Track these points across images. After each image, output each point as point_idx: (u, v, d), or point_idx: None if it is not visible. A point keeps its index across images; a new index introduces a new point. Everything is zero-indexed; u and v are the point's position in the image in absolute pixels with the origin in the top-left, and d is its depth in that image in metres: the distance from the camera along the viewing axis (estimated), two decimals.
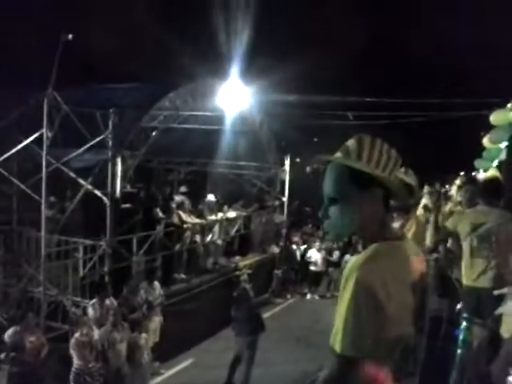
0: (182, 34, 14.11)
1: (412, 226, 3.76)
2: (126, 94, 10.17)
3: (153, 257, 9.25)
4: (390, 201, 1.56)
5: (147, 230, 9.27)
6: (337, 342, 1.40)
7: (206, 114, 11.64)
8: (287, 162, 14.31)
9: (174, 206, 10.11)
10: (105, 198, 8.16)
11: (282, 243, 14.07)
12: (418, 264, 1.58)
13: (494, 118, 6.98)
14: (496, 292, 2.87)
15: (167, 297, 8.63)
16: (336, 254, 13.38)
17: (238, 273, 10.64)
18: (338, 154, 1.57)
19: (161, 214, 9.79)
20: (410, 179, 3.61)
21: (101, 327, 6.89)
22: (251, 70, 12.52)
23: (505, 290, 2.77)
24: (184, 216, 10.02)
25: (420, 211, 5.77)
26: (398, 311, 1.41)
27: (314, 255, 13.40)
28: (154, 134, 9.66)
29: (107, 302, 7.29)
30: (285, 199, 14.53)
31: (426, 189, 6.54)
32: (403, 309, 1.44)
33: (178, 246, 9.79)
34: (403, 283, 1.46)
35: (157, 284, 8.35)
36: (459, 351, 2.64)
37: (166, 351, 8.28)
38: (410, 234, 3.63)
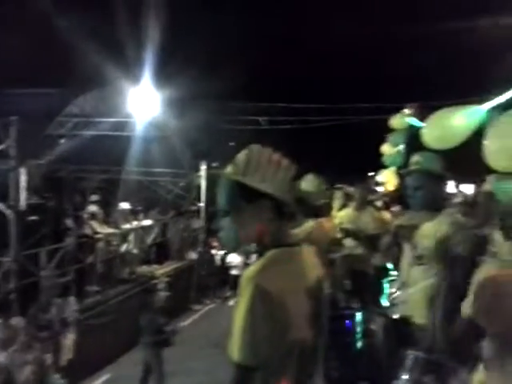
0: (90, 38, 13.59)
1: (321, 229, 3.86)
2: (29, 99, 9.65)
3: (64, 270, 8.82)
4: (283, 208, 1.60)
5: (57, 242, 8.82)
6: (234, 351, 1.41)
7: (118, 120, 11.34)
8: (203, 168, 14.32)
9: (86, 216, 9.72)
10: (8, 211, 7.67)
11: (200, 249, 14.04)
12: (315, 268, 1.65)
13: (393, 122, 7.51)
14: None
15: (81, 311, 8.28)
16: (253, 257, 13.56)
17: (154, 281, 10.48)
18: (230, 167, 1.63)
19: (71, 225, 9.38)
20: (310, 185, 3.73)
21: (7, 349, 6.45)
22: (163, 76, 12.37)
23: (398, 280, 3.02)
24: (97, 226, 9.68)
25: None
26: (294, 317, 1.45)
27: (235, 259, 13.49)
28: (62, 141, 9.22)
29: (13, 321, 6.84)
30: (201, 204, 14.52)
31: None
32: (299, 314, 1.48)
33: (91, 258, 9.42)
34: (299, 289, 1.51)
35: (72, 299, 7.98)
36: (360, 343, 2.83)
37: (81, 368, 7.91)
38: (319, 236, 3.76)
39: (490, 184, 3.25)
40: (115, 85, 10.57)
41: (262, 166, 1.57)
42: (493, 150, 2.98)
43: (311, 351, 1.57)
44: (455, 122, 3.43)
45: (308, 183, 3.79)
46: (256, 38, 18.34)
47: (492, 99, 3.08)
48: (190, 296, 12.93)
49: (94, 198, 11.60)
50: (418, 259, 2.77)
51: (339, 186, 6.98)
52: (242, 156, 1.61)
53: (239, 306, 1.44)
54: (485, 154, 2.97)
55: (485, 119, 3.25)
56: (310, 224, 3.53)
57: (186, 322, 11.62)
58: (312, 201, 3.75)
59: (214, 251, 13.98)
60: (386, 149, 8.23)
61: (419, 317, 2.73)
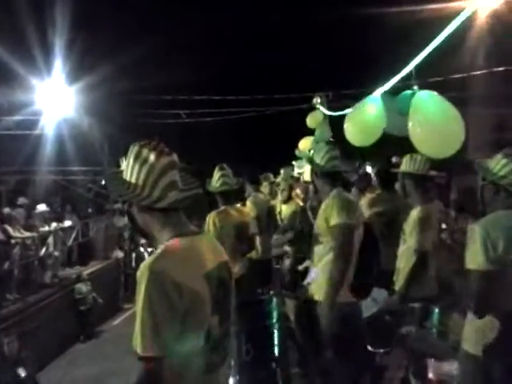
0: None
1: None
2: None
3: None
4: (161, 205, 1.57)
5: None
6: (138, 344, 1.41)
7: (28, 118, 10.72)
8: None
9: None
10: None
11: (126, 247, 13.73)
12: (215, 255, 1.67)
13: (310, 121, 7.74)
14: (300, 267, 3.27)
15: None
16: None
17: (77, 286, 10.19)
18: None
19: None
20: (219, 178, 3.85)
21: None
22: (76, 70, 11.81)
23: (307, 263, 3.14)
24: (11, 230, 9.13)
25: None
26: (192, 303, 1.47)
27: None
28: None
29: None
30: None
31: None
32: (198, 301, 1.50)
33: (7, 264, 8.90)
34: (195, 275, 1.52)
35: None
36: (278, 324, 2.90)
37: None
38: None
39: (402, 165, 3.48)
40: (22, 81, 9.91)
41: (136, 167, 1.59)
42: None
43: (220, 337, 1.60)
44: (369, 118, 3.70)
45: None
46: (173, 33, 18.12)
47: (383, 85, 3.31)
48: (119, 295, 12.67)
49: (21, 200, 10.90)
50: (317, 237, 2.95)
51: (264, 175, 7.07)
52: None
53: (138, 297, 1.44)
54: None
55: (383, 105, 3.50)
56: (211, 214, 3.69)
57: (117, 321, 11.42)
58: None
59: (141, 249, 13.74)
60: (303, 144, 8.61)
61: (319, 295, 2.85)
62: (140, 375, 1.43)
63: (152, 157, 1.58)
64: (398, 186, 3.49)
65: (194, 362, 1.51)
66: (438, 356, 2.59)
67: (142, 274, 1.45)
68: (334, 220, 2.78)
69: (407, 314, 3.04)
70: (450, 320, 2.77)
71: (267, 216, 5.05)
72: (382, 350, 3.45)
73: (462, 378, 2.24)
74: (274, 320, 2.80)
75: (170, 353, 1.42)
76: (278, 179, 7.38)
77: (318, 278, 2.88)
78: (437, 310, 2.88)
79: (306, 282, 3.00)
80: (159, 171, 1.57)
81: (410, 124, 3.13)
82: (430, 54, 2.72)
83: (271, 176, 7.29)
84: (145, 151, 1.59)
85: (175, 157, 1.62)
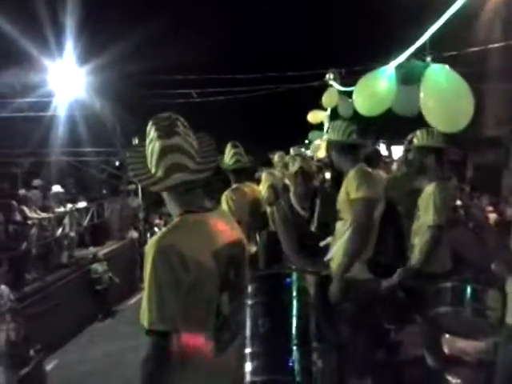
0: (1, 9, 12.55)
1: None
2: None
3: None
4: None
5: None
6: (145, 318, 1.42)
7: (41, 99, 10.76)
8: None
9: (14, 202, 9.24)
10: None
11: (141, 227, 13.87)
12: (228, 232, 1.64)
13: (325, 101, 7.64)
14: (322, 243, 3.27)
15: (20, 300, 8.00)
16: None
17: (93, 266, 10.34)
18: None
19: None
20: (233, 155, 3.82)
21: None
22: (86, 51, 11.77)
23: (329, 240, 3.15)
24: (28, 211, 9.27)
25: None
26: (197, 277, 1.46)
27: None
28: None
29: None
30: None
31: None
32: (204, 275, 1.49)
33: (24, 245, 9.06)
34: (202, 250, 1.51)
35: (3, 288, 7.66)
36: (298, 297, 2.92)
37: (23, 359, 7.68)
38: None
39: (417, 139, 3.42)
40: (33, 63, 9.92)
41: (146, 144, 1.59)
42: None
43: (230, 314, 1.59)
44: (379, 89, 3.65)
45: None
46: (183, 12, 17.91)
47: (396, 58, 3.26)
48: (135, 275, 12.84)
49: (36, 182, 11.05)
50: (339, 214, 2.94)
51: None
52: None
53: (145, 272, 1.45)
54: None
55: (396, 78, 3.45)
56: (226, 192, 3.67)
57: (133, 300, 11.58)
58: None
59: (156, 229, 13.85)
60: (311, 120, 8.60)
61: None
62: (148, 350, 1.43)
63: (156, 136, 1.56)
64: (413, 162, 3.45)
65: (203, 337, 1.51)
66: (472, 335, 2.58)
67: (149, 247, 1.46)
68: (354, 194, 2.75)
69: (441, 292, 3.00)
70: (487, 297, 2.74)
71: (283, 191, 5.03)
72: (396, 327, 3.47)
73: (506, 353, 2.21)
74: (294, 294, 2.81)
75: (177, 327, 1.43)
76: (286, 158, 7.38)
77: (336, 255, 2.87)
78: (471, 288, 2.85)
79: (326, 258, 2.99)
80: (159, 152, 1.54)
81: (421, 97, 3.09)
82: (445, 27, 2.66)
83: (283, 154, 7.25)
84: (153, 129, 1.57)
85: (180, 139, 1.56)
